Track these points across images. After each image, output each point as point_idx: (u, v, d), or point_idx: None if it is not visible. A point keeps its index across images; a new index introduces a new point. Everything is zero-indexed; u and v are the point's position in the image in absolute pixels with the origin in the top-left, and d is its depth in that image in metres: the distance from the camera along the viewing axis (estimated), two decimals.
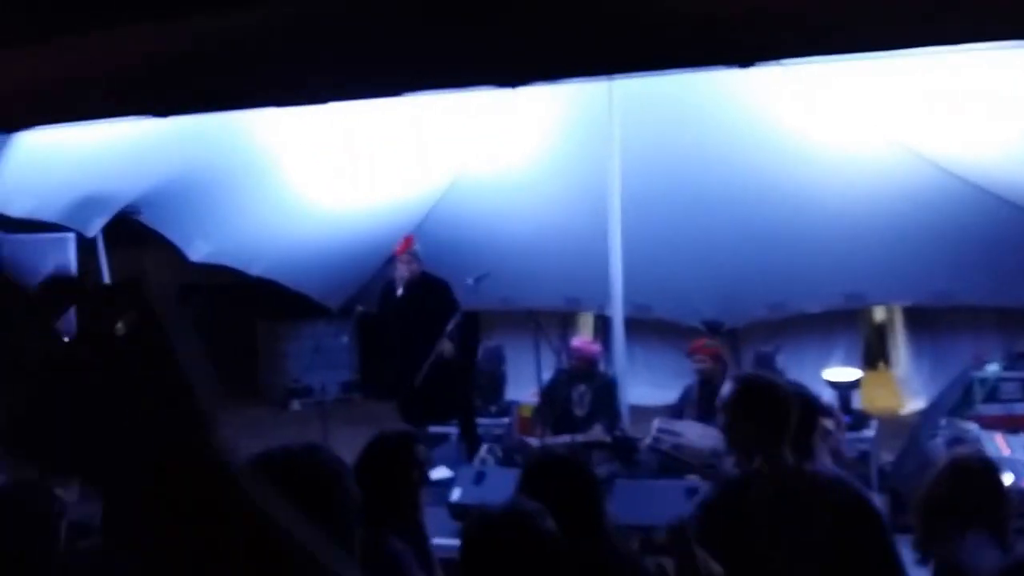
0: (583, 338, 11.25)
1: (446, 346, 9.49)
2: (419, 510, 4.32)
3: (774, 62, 4.84)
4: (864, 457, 8.77)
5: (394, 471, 4.15)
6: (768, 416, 3.98)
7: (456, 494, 7.56)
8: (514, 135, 11.04)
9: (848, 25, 4.31)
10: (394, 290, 9.85)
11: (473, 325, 10.24)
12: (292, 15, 5.60)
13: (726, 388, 4.21)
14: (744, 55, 4.52)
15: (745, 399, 4.06)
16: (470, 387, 10.29)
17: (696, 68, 5.56)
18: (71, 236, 8.66)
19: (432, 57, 5.18)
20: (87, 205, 9.31)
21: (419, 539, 4.15)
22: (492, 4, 5.19)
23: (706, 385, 8.95)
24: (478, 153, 11.45)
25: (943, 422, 8.35)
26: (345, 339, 11.11)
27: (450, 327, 9.42)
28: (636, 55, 4.76)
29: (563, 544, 3.04)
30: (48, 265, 8.40)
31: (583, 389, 9.42)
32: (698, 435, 8.30)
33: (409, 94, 5.79)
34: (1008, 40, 4.35)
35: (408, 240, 9.96)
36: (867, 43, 4.44)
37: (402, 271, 9.78)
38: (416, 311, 9.58)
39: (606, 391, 9.34)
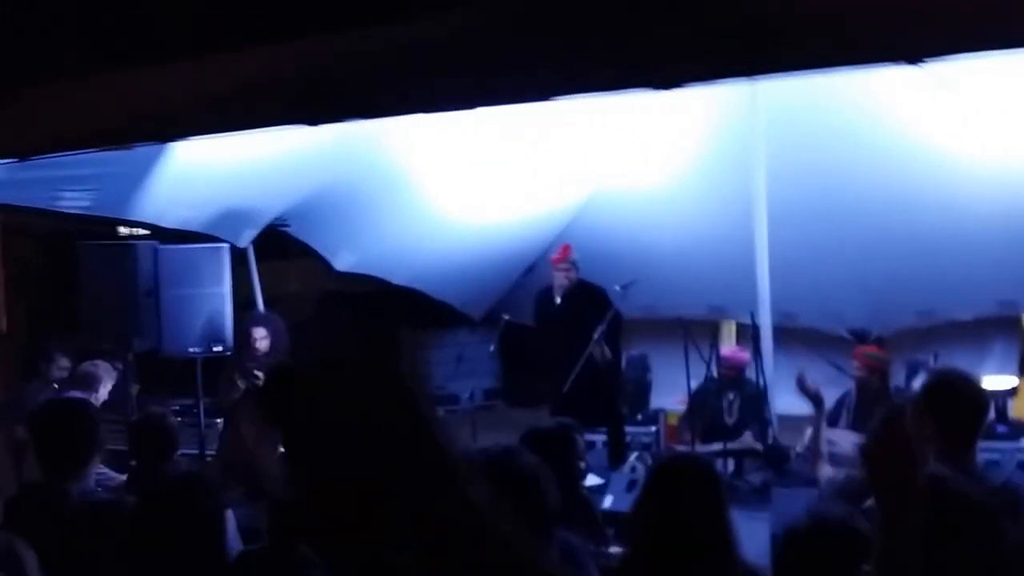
0: (732, 346, 11.14)
1: (598, 349, 9.42)
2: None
3: (943, 59, 4.71)
4: (1023, 467, 8.55)
5: (559, 462, 4.03)
6: (964, 415, 3.83)
7: (608, 501, 7.55)
8: (657, 145, 10.98)
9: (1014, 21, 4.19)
10: (551, 299, 9.80)
11: (617, 331, 10.16)
12: (442, 26, 5.64)
13: (918, 383, 4.08)
14: (915, 52, 4.40)
15: (941, 395, 3.90)
16: (617, 393, 10.21)
17: (866, 67, 5.43)
18: (226, 246, 8.85)
19: (583, 61, 5.17)
20: (238, 217, 9.55)
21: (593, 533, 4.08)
22: (647, 8, 5.16)
23: (864, 394, 8.87)
24: (620, 164, 11.42)
25: None
26: (490, 347, 11.13)
27: (599, 331, 9.35)
28: (801, 56, 4.69)
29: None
30: (204, 274, 8.60)
31: (732, 397, 9.38)
32: (853, 444, 8.10)
33: (561, 98, 5.77)
34: None
35: (566, 248, 9.94)
36: None
37: (560, 279, 9.76)
38: (574, 319, 9.55)
39: (755, 399, 9.30)
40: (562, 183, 11.49)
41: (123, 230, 11.55)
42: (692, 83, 5.44)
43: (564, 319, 9.65)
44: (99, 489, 4.75)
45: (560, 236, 11.83)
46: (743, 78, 6.59)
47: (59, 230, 11.15)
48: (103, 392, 7.74)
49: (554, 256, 10.03)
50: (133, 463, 5.32)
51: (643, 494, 3.83)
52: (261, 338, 9.06)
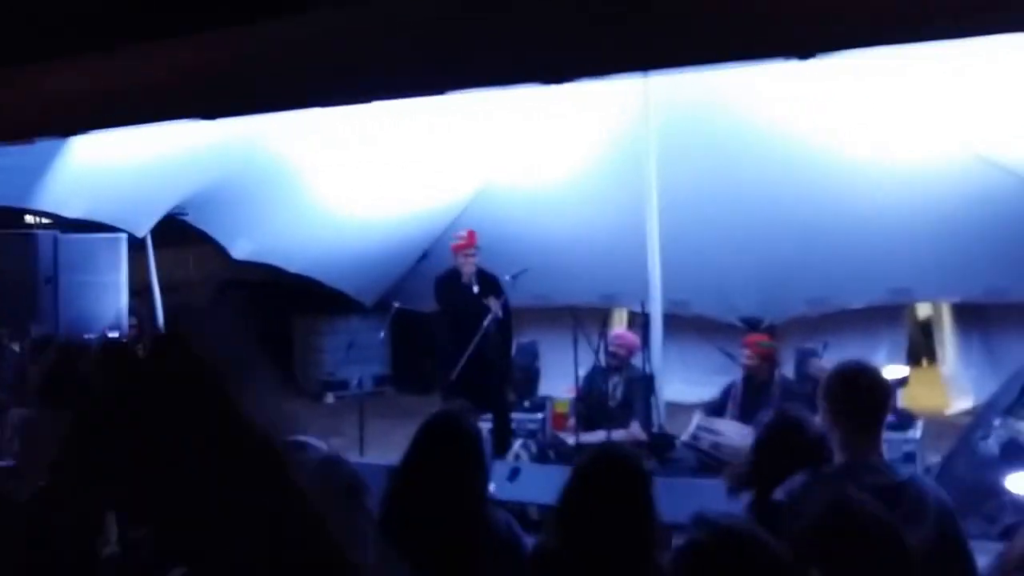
0: (622, 329, 11.23)
1: (492, 337, 9.49)
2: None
3: (832, 53, 4.87)
4: (910, 457, 8.55)
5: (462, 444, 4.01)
6: (869, 404, 3.78)
7: (490, 489, 7.58)
8: (549, 138, 11.14)
9: (905, 16, 4.37)
10: (463, 284, 9.74)
11: (507, 321, 10.28)
12: (329, 20, 5.75)
13: (826, 376, 4.04)
14: (802, 47, 4.57)
15: (846, 386, 3.81)
16: (505, 382, 10.28)
17: (755, 61, 5.57)
18: (123, 236, 8.90)
19: (471, 55, 5.29)
20: (137, 207, 9.58)
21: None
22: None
23: (750, 383, 8.86)
24: (511, 156, 11.57)
25: (997, 422, 7.92)
26: (380, 335, 11.28)
27: (489, 319, 9.43)
28: (690, 49, 4.83)
29: None
30: (101, 263, 8.66)
31: (616, 381, 9.35)
32: (738, 434, 8.14)
33: (449, 92, 5.87)
34: None
35: (472, 234, 9.92)
36: (926, 33, 4.47)
37: (468, 265, 9.73)
38: (481, 305, 9.57)
39: (639, 383, 9.28)
40: (453, 175, 11.57)
41: (30, 219, 11.52)
42: (579, 77, 5.54)
43: (477, 305, 9.67)
44: None
45: (452, 226, 11.86)
46: (632, 72, 6.73)
47: None
48: None
49: (460, 242, 9.87)
50: None
51: (571, 486, 3.84)
52: (131, 325, 9.21)
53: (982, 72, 8.14)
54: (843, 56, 5.11)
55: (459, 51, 5.39)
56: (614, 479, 3.62)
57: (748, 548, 2.44)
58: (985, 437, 7.77)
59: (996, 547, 3.83)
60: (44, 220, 9.95)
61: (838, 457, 3.80)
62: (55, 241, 8.61)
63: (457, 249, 9.83)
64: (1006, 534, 6.17)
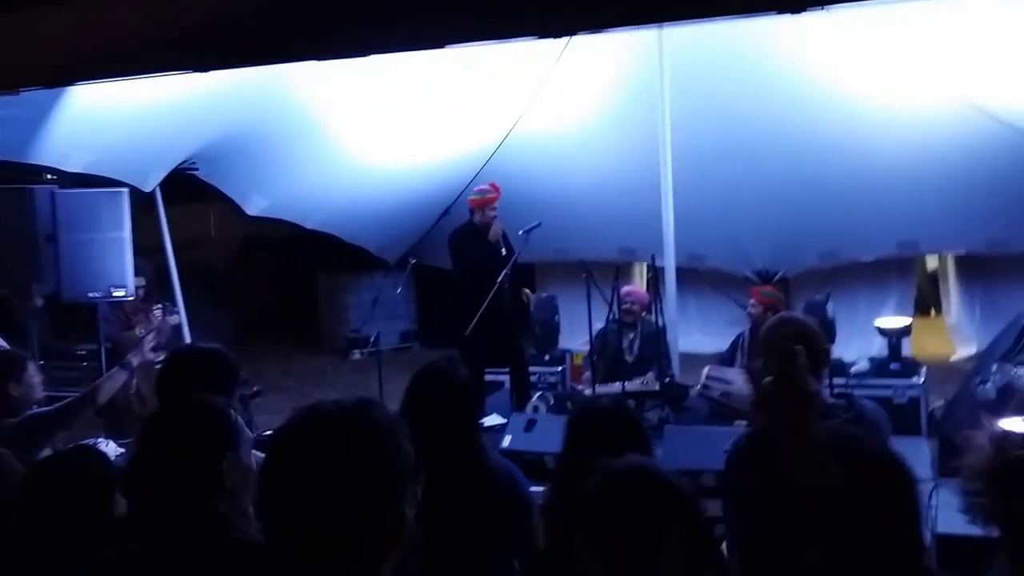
0: (633, 285, 11.28)
1: (505, 293, 9.41)
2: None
3: (824, 8, 4.80)
4: (914, 403, 8.89)
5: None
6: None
7: (507, 441, 7.65)
8: (565, 92, 11.04)
9: None
10: (482, 238, 9.60)
11: (527, 275, 10.20)
12: None
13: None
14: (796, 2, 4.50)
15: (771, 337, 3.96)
16: (522, 335, 10.24)
17: (748, 15, 5.51)
18: (125, 191, 8.73)
19: (482, 8, 5.20)
20: (143, 160, 9.39)
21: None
22: None
23: (757, 332, 8.93)
24: (530, 110, 11.47)
25: (994, 367, 8.16)
26: (399, 290, 11.28)
27: (504, 274, 9.35)
28: (689, 2, 4.76)
29: None
30: (103, 218, 8.56)
31: (632, 336, 9.53)
32: (747, 382, 8.28)
33: (453, 45, 5.80)
34: None
35: (497, 187, 9.77)
36: None
37: (496, 222, 9.61)
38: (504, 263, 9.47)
39: (654, 337, 9.35)
40: (473, 130, 11.53)
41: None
42: (579, 31, 5.48)
43: (504, 263, 9.50)
44: None
45: (475, 181, 11.89)
46: (646, 25, 6.63)
47: None
48: None
49: (488, 196, 9.71)
50: None
51: (566, 439, 3.93)
52: (139, 286, 9.08)
53: (986, 24, 8.25)
54: (838, 9, 5.02)
55: (468, 4, 5.31)
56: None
57: (653, 481, 2.59)
58: (984, 382, 8.00)
59: None
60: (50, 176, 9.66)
61: None
62: (52, 196, 8.44)
63: (484, 204, 9.64)
64: None
